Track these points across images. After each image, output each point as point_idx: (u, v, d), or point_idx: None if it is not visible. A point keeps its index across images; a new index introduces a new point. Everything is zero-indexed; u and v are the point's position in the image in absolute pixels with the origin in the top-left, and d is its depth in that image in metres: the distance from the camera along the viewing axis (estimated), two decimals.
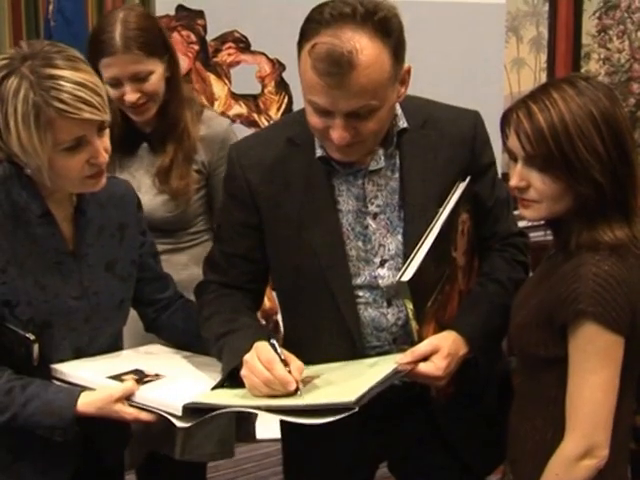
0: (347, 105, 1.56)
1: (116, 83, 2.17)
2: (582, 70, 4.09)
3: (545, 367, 1.62)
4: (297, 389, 1.56)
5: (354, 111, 1.57)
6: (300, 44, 1.60)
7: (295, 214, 1.74)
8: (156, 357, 1.87)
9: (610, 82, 4.07)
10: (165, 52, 2.23)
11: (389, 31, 1.57)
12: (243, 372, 1.60)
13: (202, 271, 1.93)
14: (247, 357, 1.61)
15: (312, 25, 1.57)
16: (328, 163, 1.73)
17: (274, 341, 1.62)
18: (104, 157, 1.64)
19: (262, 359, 1.58)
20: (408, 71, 1.66)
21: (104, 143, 1.64)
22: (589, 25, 4.08)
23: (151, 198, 2.24)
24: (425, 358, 1.64)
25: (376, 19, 1.56)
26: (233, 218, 1.82)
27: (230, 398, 1.61)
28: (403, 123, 1.74)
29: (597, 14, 4.08)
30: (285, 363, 1.58)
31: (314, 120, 1.62)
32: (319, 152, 1.73)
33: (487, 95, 3.45)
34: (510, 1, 3.67)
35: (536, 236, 2.06)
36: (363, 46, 1.53)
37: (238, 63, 3.43)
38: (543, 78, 4.07)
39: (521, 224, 1.90)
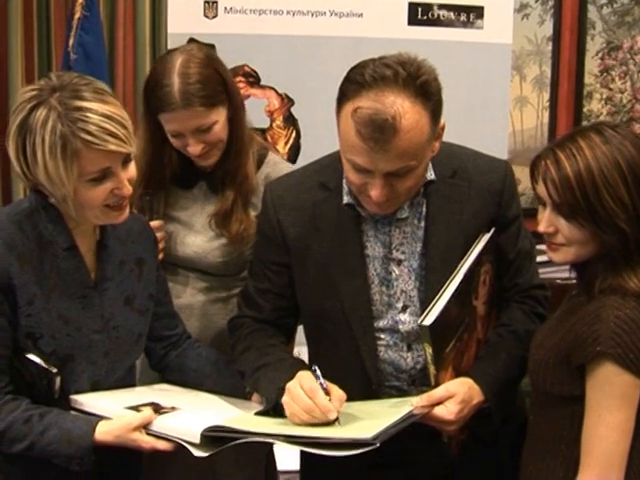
0: (387, 166, 1.60)
1: (178, 135, 2.07)
2: (584, 109, 4.13)
3: (559, 405, 1.64)
4: (337, 418, 1.58)
5: (393, 171, 1.61)
6: (340, 103, 1.63)
7: (323, 257, 1.78)
8: (171, 393, 1.89)
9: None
10: (227, 96, 2.10)
11: (429, 94, 1.60)
12: (284, 399, 1.63)
13: (237, 305, 1.95)
14: (290, 385, 1.64)
15: (352, 86, 1.60)
16: (355, 210, 1.76)
17: (317, 369, 1.65)
18: (128, 189, 1.67)
19: (305, 387, 1.61)
20: (442, 127, 1.69)
21: (129, 174, 1.67)
22: (592, 65, 4.11)
23: (205, 240, 2.17)
24: (440, 403, 1.67)
25: (418, 83, 1.58)
26: (265, 256, 1.86)
27: (252, 425, 1.62)
28: (430, 175, 1.77)
29: (600, 54, 4.11)
30: (327, 392, 1.61)
31: (352, 176, 1.66)
32: (346, 199, 1.76)
33: (492, 133, 3.50)
34: (514, 40, 3.71)
35: (554, 270, 2.06)
36: (405, 110, 1.56)
37: (247, 97, 3.45)
38: (546, 116, 4.10)
39: (539, 259, 1.90)
